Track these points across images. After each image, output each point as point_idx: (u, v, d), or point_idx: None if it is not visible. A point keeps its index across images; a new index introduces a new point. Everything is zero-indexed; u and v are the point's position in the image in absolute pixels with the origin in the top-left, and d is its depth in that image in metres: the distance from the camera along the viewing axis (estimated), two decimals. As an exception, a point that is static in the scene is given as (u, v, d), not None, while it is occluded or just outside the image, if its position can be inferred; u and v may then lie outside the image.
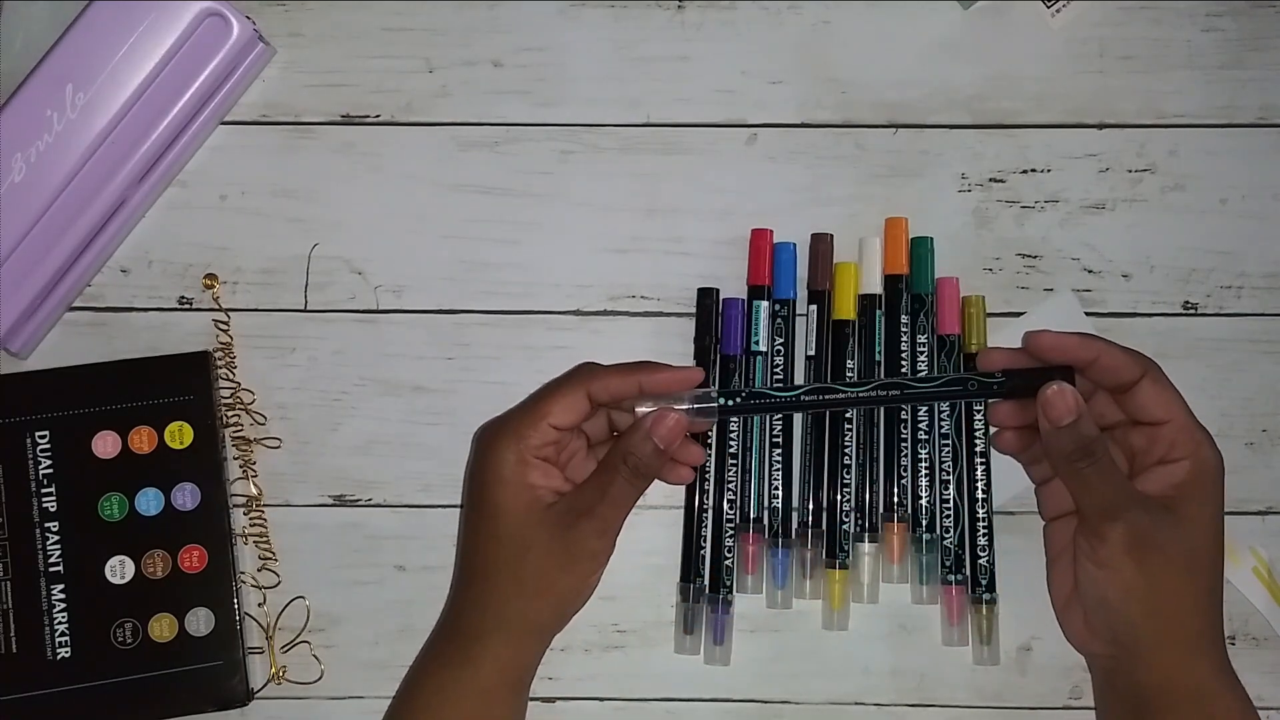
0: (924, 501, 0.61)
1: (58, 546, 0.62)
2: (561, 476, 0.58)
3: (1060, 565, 0.59)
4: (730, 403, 0.58)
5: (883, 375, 0.62)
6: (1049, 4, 0.65)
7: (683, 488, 0.62)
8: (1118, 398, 0.57)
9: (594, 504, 0.56)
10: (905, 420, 0.61)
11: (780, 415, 0.61)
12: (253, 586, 0.64)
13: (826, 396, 0.58)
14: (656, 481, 0.58)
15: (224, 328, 0.65)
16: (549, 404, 0.57)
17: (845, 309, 0.63)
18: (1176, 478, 0.55)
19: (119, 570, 0.62)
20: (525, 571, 0.56)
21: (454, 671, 0.58)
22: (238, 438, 0.64)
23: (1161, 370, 0.56)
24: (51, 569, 0.62)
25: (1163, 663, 0.55)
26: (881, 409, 0.61)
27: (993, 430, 0.61)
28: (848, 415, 0.61)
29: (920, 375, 0.62)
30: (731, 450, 0.61)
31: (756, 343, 0.62)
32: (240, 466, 0.64)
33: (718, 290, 0.64)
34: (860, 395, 0.58)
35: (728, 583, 0.61)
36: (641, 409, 0.57)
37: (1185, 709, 0.55)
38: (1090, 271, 0.65)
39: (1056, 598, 0.59)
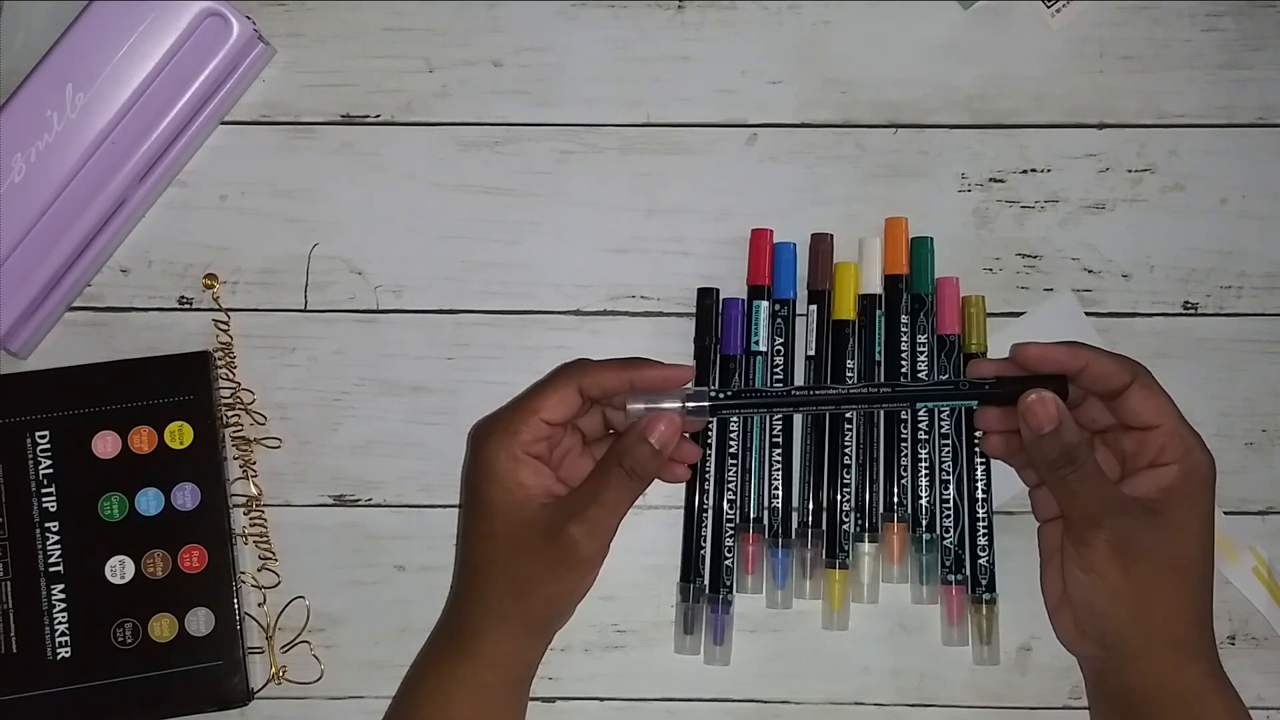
0: (924, 501, 0.61)
1: (58, 546, 0.62)
2: (554, 476, 0.58)
3: (1052, 568, 0.59)
4: (722, 395, 0.58)
5: (883, 376, 0.62)
6: (1049, 4, 0.65)
7: (682, 487, 0.62)
8: (1108, 403, 0.57)
9: (585, 506, 0.56)
10: (905, 421, 0.61)
11: (780, 415, 0.61)
12: (253, 586, 0.64)
13: (817, 394, 0.58)
14: (655, 481, 0.58)
15: (224, 328, 0.65)
16: (540, 399, 0.57)
17: (845, 309, 0.63)
18: (1165, 481, 0.55)
19: (119, 570, 0.62)
20: (519, 572, 0.56)
21: (454, 667, 0.58)
22: (238, 438, 0.64)
23: (1151, 375, 0.56)
24: (51, 569, 0.62)
25: (1151, 666, 0.55)
26: (882, 410, 0.61)
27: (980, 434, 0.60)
28: (848, 415, 0.61)
29: (915, 378, 0.62)
30: (731, 450, 0.61)
31: (756, 343, 0.62)
32: (240, 466, 0.64)
33: (718, 290, 0.64)
34: (850, 393, 0.58)
35: (728, 583, 0.61)
36: (633, 405, 0.57)
37: (1174, 712, 0.55)
38: (1090, 271, 0.65)
39: (1049, 599, 0.59)
